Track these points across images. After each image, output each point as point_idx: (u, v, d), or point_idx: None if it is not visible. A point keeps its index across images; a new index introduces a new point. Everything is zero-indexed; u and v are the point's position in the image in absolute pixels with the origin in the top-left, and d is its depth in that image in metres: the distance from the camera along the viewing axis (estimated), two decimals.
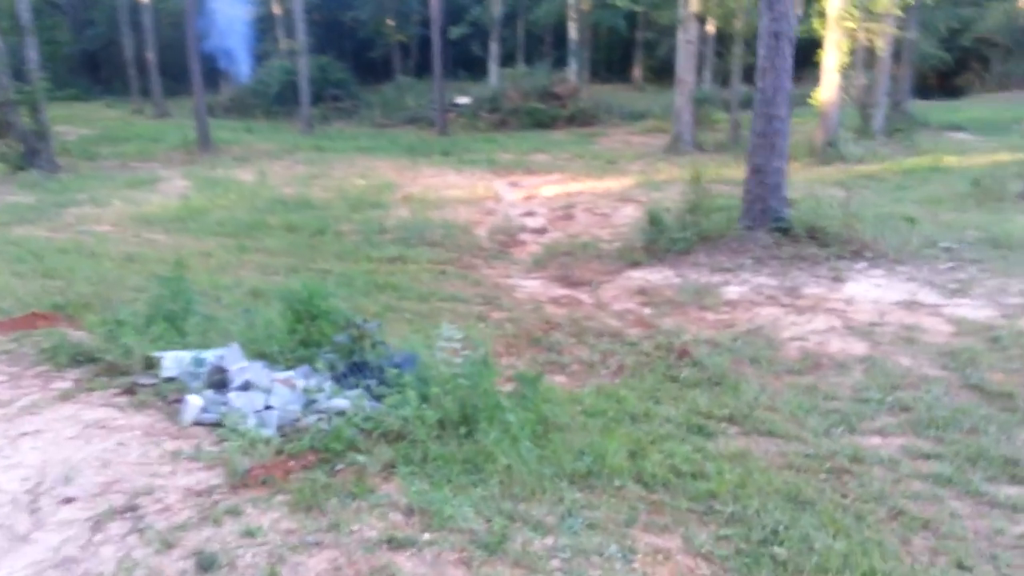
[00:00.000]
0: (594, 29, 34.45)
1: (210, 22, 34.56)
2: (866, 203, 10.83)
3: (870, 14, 15.62)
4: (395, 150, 20.21)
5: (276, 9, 37.58)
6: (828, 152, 15.54)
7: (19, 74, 16.06)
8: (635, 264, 8.04)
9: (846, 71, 15.89)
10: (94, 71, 42.58)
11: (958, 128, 21.39)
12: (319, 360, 4.22)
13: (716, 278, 7.31)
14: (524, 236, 10.12)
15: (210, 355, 4.18)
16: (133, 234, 10.36)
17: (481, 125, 26.78)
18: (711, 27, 21.12)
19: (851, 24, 15.31)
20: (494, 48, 33.32)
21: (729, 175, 14.45)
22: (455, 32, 34.92)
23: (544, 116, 26.42)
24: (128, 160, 18.20)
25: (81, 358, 4.39)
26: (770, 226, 7.96)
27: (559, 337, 5.99)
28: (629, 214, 11.16)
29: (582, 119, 26.67)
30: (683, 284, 7.22)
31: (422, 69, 40.72)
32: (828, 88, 15.76)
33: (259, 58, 37.11)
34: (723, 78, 27.36)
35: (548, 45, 40.09)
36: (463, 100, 28.85)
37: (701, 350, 5.51)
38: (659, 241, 8.26)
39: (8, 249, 8.68)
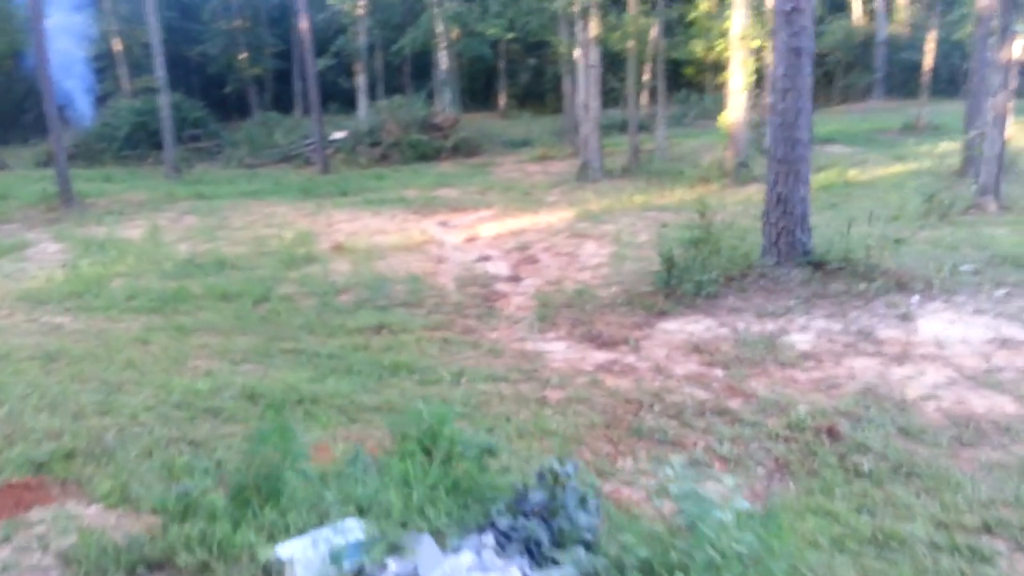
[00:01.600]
0: (459, 58, 33.64)
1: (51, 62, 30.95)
2: (827, 225, 10.46)
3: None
4: (286, 193, 18.39)
5: (117, 46, 34.35)
6: (742, 173, 15.33)
7: None
8: (662, 314, 7.06)
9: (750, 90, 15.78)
10: None
11: (829, 141, 22.08)
12: (488, 527, 2.91)
13: (770, 325, 6.47)
14: (500, 286, 8.93)
15: (338, 538, 2.76)
16: (28, 319, 8.30)
17: (362, 160, 25.19)
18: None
19: (755, 43, 15.22)
20: (361, 80, 31.80)
21: (658, 202, 13.91)
22: (321, 64, 33.10)
23: (428, 148, 25.20)
24: None
25: (138, 564, 2.84)
26: (799, 260, 7.25)
27: (656, 420, 4.90)
28: (595, 251, 10.22)
29: (466, 149, 25.67)
30: (737, 336, 6.32)
31: (280, 104, 38.49)
32: (735, 109, 15.59)
33: (100, 100, 33.67)
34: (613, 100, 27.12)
35: (407, 75, 39.00)
36: (339, 135, 27.14)
37: (843, 426, 4.60)
38: (679, 285, 7.35)
39: None
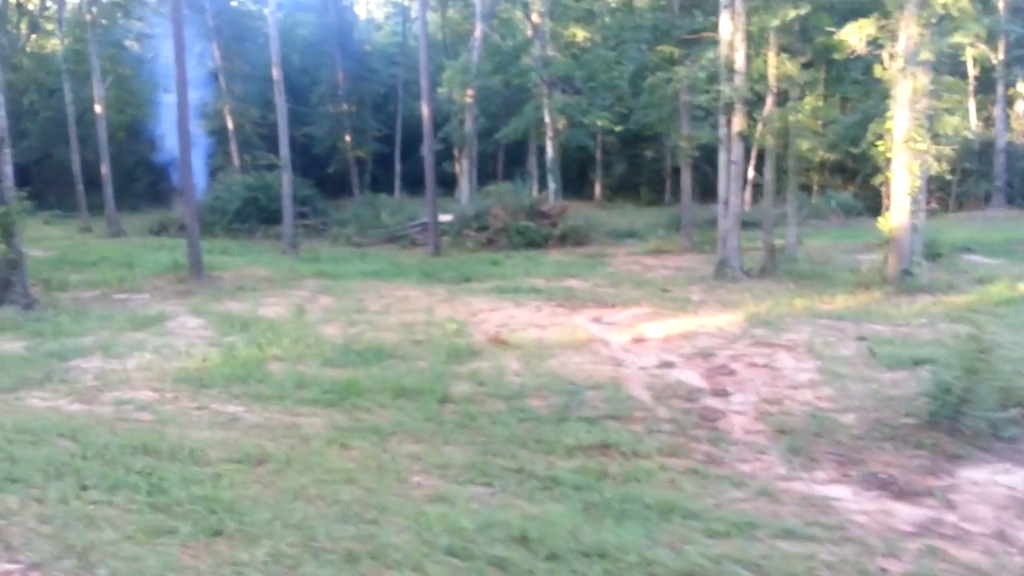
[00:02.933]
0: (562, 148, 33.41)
1: (164, 134, 31.81)
2: None
3: (935, 136, 14.57)
4: (408, 274, 17.77)
5: (230, 123, 35.21)
6: (907, 281, 14.08)
7: None
8: (955, 457, 5.85)
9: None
10: (24, 185, 38.57)
11: (967, 250, 20.62)
12: None
13: None
14: (708, 401, 7.83)
15: None
16: (196, 406, 7.50)
17: (468, 244, 24.71)
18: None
19: (921, 146, 14.17)
20: (466, 165, 31.69)
21: (823, 308, 12.73)
22: (423, 150, 33.31)
23: (536, 235, 24.55)
24: (108, 290, 15.09)
25: None
26: None
27: None
28: (796, 365, 9.05)
29: (574, 238, 24.96)
30: None
31: (377, 186, 38.78)
32: (899, 212, 14.45)
33: (211, 173, 34.34)
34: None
35: (500, 163, 39.00)
36: (445, 217, 26.78)
37: None
38: (958, 420, 6.14)
39: (45, 452, 5.73)
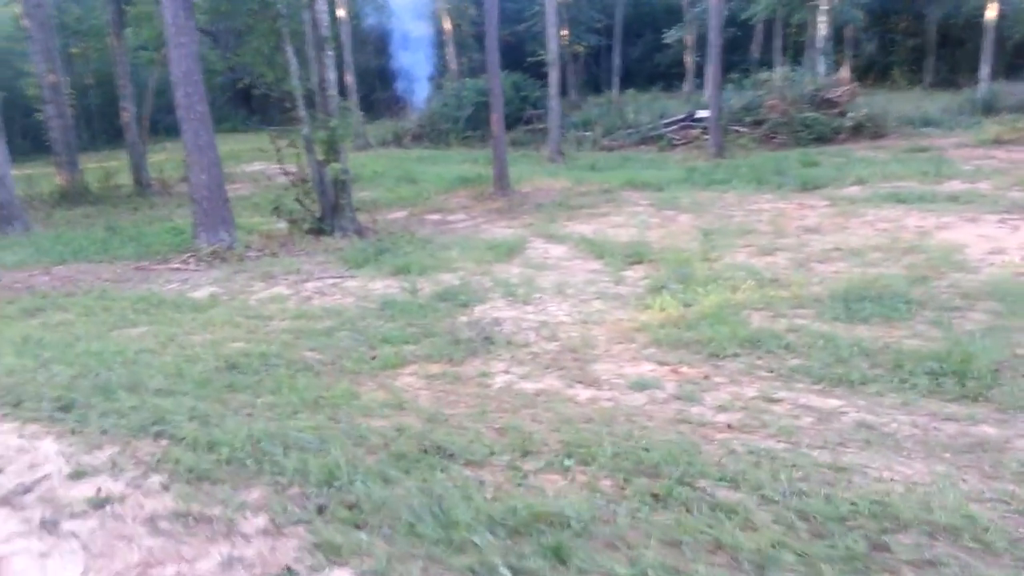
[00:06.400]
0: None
1: (397, 42, 29.82)
2: None
3: None
4: (725, 181, 14.68)
5: (447, 25, 32.74)
6: None
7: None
8: None
9: None
10: (246, 102, 38.39)
11: None
12: None
13: None
14: None
15: None
16: (755, 393, 4.97)
17: (743, 142, 21.19)
18: None
19: None
20: (715, 52, 27.54)
21: None
22: (672, 36, 29.48)
23: (825, 128, 20.59)
24: (416, 211, 13.16)
25: None
26: None
27: None
28: None
29: (871, 130, 20.78)
30: None
31: (597, 83, 35.47)
32: None
33: (431, 79, 32.28)
34: None
35: (750, 51, 34.06)
36: (704, 113, 23.28)
37: None
38: None
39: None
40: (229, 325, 7.08)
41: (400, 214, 12.91)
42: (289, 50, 9.92)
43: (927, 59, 32.35)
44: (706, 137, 22.16)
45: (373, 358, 6.00)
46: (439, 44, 33.17)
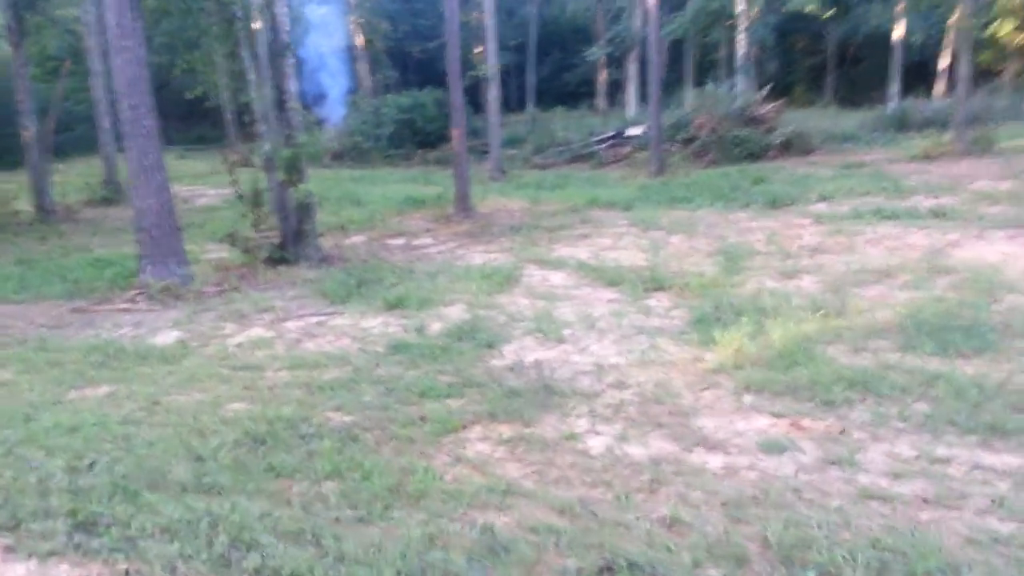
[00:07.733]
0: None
1: (310, 58, 28.18)
2: None
3: None
4: (687, 200, 14.21)
5: (359, 41, 31.42)
6: None
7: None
8: None
9: None
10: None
11: None
12: None
13: None
14: None
15: None
16: (887, 449, 4.22)
17: (675, 160, 20.99)
18: None
19: None
20: (632, 70, 27.59)
21: None
22: (595, 55, 29.16)
23: (755, 145, 20.66)
24: (375, 234, 12.00)
25: None
26: None
27: None
28: None
29: (800, 146, 21.02)
30: None
31: (508, 102, 34.89)
32: None
33: (346, 97, 30.76)
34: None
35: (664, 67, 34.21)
36: (634, 131, 23.10)
37: None
38: None
39: None
40: (216, 380, 5.83)
41: (359, 239, 11.72)
42: (246, 56, 8.63)
43: (827, 77, 33.56)
44: (637, 155, 21.94)
45: (422, 419, 4.93)
46: (351, 60, 31.74)
